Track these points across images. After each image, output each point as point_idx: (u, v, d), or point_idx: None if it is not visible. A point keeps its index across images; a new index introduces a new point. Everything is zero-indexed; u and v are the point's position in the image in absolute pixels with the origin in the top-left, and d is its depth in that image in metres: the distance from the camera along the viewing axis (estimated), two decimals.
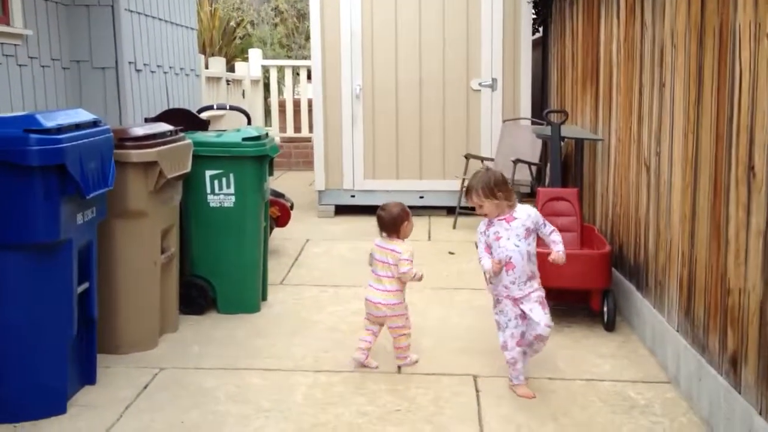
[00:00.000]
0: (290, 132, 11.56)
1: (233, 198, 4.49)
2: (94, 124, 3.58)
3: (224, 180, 4.49)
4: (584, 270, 4.20)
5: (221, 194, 4.49)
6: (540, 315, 3.40)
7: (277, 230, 6.27)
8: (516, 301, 3.45)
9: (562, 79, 6.99)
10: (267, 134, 4.77)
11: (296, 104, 11.45)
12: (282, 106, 11.69)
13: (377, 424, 3.16)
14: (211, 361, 3.84)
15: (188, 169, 4.23)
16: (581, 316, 4.47)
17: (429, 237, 6.70)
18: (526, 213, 3.47)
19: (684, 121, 3.55)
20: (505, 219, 3.45)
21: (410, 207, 7.37)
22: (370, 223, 7.53)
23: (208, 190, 4.49)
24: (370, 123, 7.58)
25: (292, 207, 6.12)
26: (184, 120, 5.27)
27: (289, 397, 3.42)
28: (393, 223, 3.78)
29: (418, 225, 7.11)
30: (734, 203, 2.97)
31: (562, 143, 6.36)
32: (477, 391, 3.50)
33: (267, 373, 3.69)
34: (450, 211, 7.25)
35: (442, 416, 3.23)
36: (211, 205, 4.50)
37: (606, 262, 4.26)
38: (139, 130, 3.98)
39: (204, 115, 7.61)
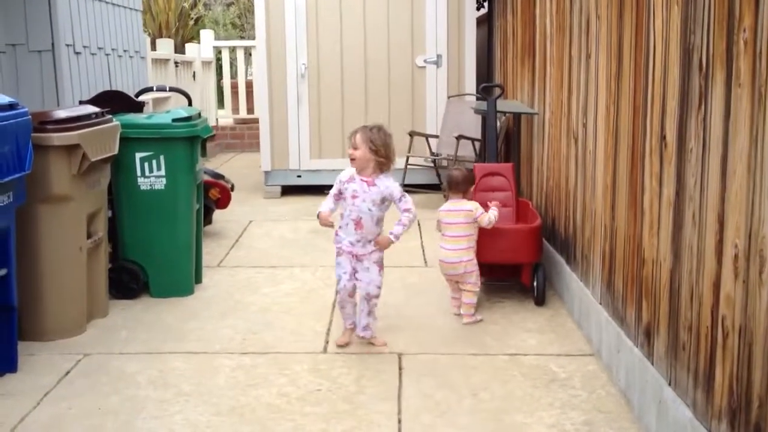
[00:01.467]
0: (243, 113, 11.46)
1: (164, 180, 4.43)
2: (10, 107, 3.49)
3: (154, 162, 4.41)
4: (513, 245, 4.20)
5: (151, 176, 4.42)
6: (375, 275, 3.67)
7: (219, 212, 6.21)
8: (357, 257, 3.65)
9: (504, 55, 6.98)
10: (199, 114, 4.69)
11: (249, 85, 11.33)
12: (234, 87, 11.57)
13: (295, 404, 3.14)
14: (136, 345, 3.79)
15: (115, 151, 4.15)
16: (513, 291, 4.48)
17: None
18: (386, 184, 3.60)
19: (606, 92, 3.55)
20: (367, 181, 3.59)
21: None
22: (316, 203, 7.45)
23: (138, 173, 4.42)
24: (315, 102, 7.51)
25: (232, 188, 6.05)
26: (119, 102, 5.18)
27: (210, 380, 3.38)
28: (466, 181, 4.17)
29: None
30: (648, 174, 2.98)
31: (503, 118, 6.37)
32: (400, 369, 3.49)
33: (192, 356, 3.65)
34: None
35: (363, 395, 3.22)
36: (142, 187, 4.43)
37: (535, 236, 4.27)
38: (62, 113, 3.90)
39: (147, 97, 7.52)
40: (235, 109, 11.55)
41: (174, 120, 4.40)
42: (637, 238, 3.11)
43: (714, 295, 2.43)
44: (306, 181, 7.57)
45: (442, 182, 7.21)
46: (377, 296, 3.72)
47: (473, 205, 4.09)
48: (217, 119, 11.50)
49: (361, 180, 3.59)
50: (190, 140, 4.44)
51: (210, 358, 3.63)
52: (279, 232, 6.10)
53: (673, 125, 2.76)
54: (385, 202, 3.62)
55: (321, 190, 7.53)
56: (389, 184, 3.60)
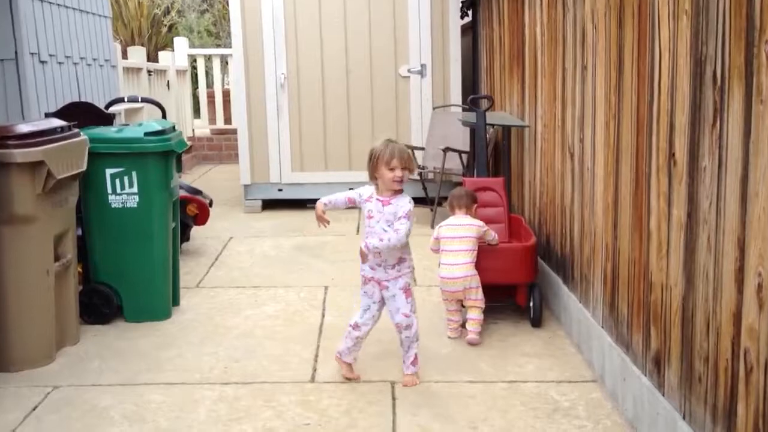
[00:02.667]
0: (220, 123, 11.21)
1: (137, 198, 4.19)
2: None
3: (126, 179, 4.18)
4: (507, 264, 4.02)
5: (123, 194, 4.19)
6: (401, 302, 3.37)
7: (197, 229, 5.98)
8: (380, 284, 3.38)
9: (490, 64, 6.82)
10: (173, 128, 4.47)
11: (226, 94, 11.08)
12: (211, 97, 11.33)
13: None
14: (110, 376, 3.55)
15: (83, 168, 3.91)
16: (508, 312, 4.29)
17: (357, 230, 6.47)
18: (399, 203, 3.33)
19: (606, 106, 3.38)
20: (382, 201, 3.34)
21: None
22: (298, 218, 7.41)
23: (110, 190, 4.18)
24: (296, 113, 7.30)
25: (211, 204, 5.82)
26: (87, 114, 4.95)
27: (190, 414, 3.16)
28: (470, 197, 4.13)
29: (348, 218, 6.92)
30: (655, 193, 2.81)
31: (491, 131, 6.20)
32: (394, 399, 3.28)
33: (170, 388, 3.42)
34: None
35: (355, 429, 3.01)
36: (113, 205, 4.19)
37: (530, 256, 4.09)
38: (24, 127, 3.66)
39: (118, 108, 7.26)
40: (212, 120, 11.30)
41: (146, 134, 4.17)
42: (643, 261, 2.93)
43: (734, 326, 2.26)
44: (287, 195, 7.35)
45: (428, 196, 7.03)
46: (409, 327, 3.38)
47: (480, 221, 4.06)
48: (193, 130, 11.25)
49: (377, 200, 3.35)
50: (163, 155, 4.22)
51: (189, 389, 3.40)
52: (261, 249, 5.87)
53: (683, 142, 2.59)
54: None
55: (303, 204, 7.35)
56: (402, 203, 3.32)
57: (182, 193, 5.57)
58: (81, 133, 4.02)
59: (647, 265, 2.89)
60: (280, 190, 7.35)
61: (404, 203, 3.32)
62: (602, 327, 3.43)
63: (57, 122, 3.90)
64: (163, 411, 3.19)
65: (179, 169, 4.56)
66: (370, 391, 3.36)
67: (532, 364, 3.64)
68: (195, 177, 9.80)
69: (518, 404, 3.22)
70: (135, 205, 4.20)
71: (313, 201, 7.58)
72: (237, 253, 5.73)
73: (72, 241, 3.95)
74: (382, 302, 3.42)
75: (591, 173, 3.60)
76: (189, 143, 4.68)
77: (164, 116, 5.99)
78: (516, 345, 3.88)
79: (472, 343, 3.84)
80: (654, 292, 2.83)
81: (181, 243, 5.76)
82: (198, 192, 5.73)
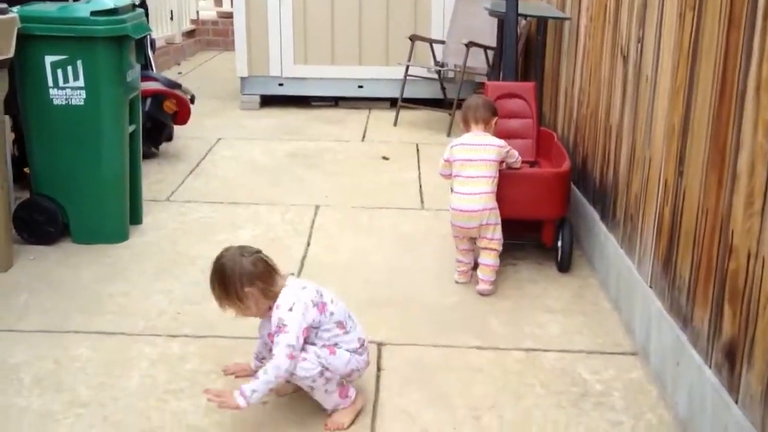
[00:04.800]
0: (227, 6, 10.24)
1: (83, 93, 3.43)
2: None
3: (70, 69, 3.40)
4: (532, 195, 3.23)
5: (67, 88, 3.42)
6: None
7: (183, 128, 5.22)
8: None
9: None
10: (133, 6, 3.65)
11: None
12: None
13: (229, 429, 2.26)
14: (34, 318, 2.88)
15: (8, 53, 3.14)
16: (529, 249, 3.54)
17: (364, 136, 5.67)
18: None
19: None
20: None
21: (348, 98, 6.52)
22: (299, 117, 6.57)
23: (50, 83, 3.41)
24: None
25: (192, 100, 5.02)
26: None
27: (120, 380, 2.49)
28: (489, 110, 3.30)
29: (355, 120, 6.12)
30: (751, 120, 1.98)
31: (523, 23, 5.29)
32: (379, 369, 2.59)
33: (103, 339, 2.74)
34: (394, 103, 6.18)
35: (326, 414, 2.32)
36: (55, 102, 3.43)
37: (561, 185, 3.30)
38: None
39: None
40: (218, 1, 10.33)
41: (94, 13, 3.36)
42: (721, 213, 2.14)
43: None
44: (289, 90, 6.51)
45: (446, 98, 6.18)
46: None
47: (501, 140, 3.25)
48: (197, 12, 10.30)
49: None
50: (116, 40, 3.41)
51: (127, 342, 2.72)
52: (250, 154, 5.11)
53: None
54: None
55: (306, 101, 6.54)
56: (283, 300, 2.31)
57: (158, 86, 4.80)
58: (10, 10, 3.22)
59: (727, 220, 2.10)
60: (280, 84, 6.52)
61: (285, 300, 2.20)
62: (651, 287, 2.68)
63: None
64: (87, 374, 2.52)
65: (141, 60, 3.76)
66: None
67: (557, 324, 2.92)
68: (194, 65, 8.96)
69: (536, 385, 2.51)
70: (81, 103, 3.43)
71: (318, 99, 6.74)
72: (221, 159, 4.97)
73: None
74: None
75: (651, 84, 2.76)
76: (150, 29, 3.86)
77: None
78: (538, 296, 3.16)
79: (483, 294, 3.11)
80: (735, 258, 2.05)
81: (160, 144, 5.03)
82: (177, 86, 4.93)
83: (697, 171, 2.31)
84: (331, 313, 2.23)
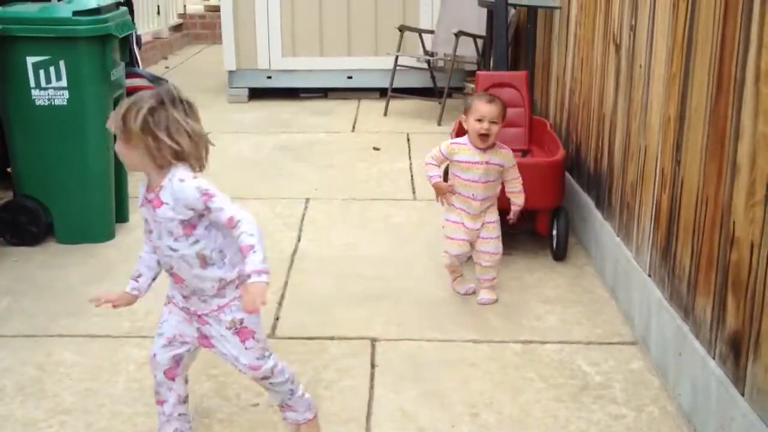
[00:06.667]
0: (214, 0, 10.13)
1: (66, 93, 3.35)
2: None
3: (52, 69, 3.33)
4: (527, 185, 3.15)
5: (50, 88, 3.34)
6: (235, 348, 1.97)
7: None
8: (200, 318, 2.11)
9: None
10: (117, 5, 3.57)
11: None
12: None
13: (216, 430, 2.19)
14: (18, 323, 2.80)
15: None
16: (524, 239, 3.48)
17: (353, 127, 5.60)
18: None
19: None
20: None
21: (337, 89, 6.43)
22: (288, 109, 6.48)
23: (32, 84, 3.34)
24: None
25: None
26: None
27: (106, 384, 2.42)
28: (502, 111, 2.86)
29: (344, 111, 6.05)
30: (751, 111, 1.92)
31: (513, 11, 5.22)
32: (373, 366, 2.53)
33: (88, 342, 2.67)
34: (383, 93, 6.10)
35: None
36: (38, 102, 3.36)
37: (557, 174, 3.25)
38: None
39: None
40: None
41: (76, 13, 3.28)
42: (722, 202, 2.08)
43: None
44: (277, 83, 6.43)
45: (436, 86, 6.10)
46: (267, 377, 2.03)
47: (508, 150, 2.93)
48: (184, 6, 10.19)
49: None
50: (99, 40, 3.33)
51: (113, 345, 2.65)
52: (238, 148, 5.04)
53: None
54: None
55: (295, 93, 6.46)
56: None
57: (143, 83, 4.70)
58: None
59: (728, 210, 2.04)
60: (269, 77, 6.43)
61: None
62: (649, 276, 2.62)
63: None
64: (72, 379, 2.44)
65: (125, 58, 3.68)
66: (343, 353, 2.60)
67: (554, 314, 2.86)
68: (182, 60, 8.86)
69: (535, 378, 2.45)
70: (64, 102, 3.36)
71: (307, 90, 6.63)
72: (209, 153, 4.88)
73: None
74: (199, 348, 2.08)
75: (645, 72, 2.69)
76: (134, 27, 3.77)
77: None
78: (534, 286, 3.10)
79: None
80: (737, 249, 1.99)
81: None
82: (159, 80, 4.83)
83: (696, 160, 2.25)
84: None
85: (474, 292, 3.00)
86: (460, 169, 2.86)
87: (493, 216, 2.92)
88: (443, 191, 2.90)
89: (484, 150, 2.82)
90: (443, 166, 2.98)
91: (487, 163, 2.83)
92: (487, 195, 2.87)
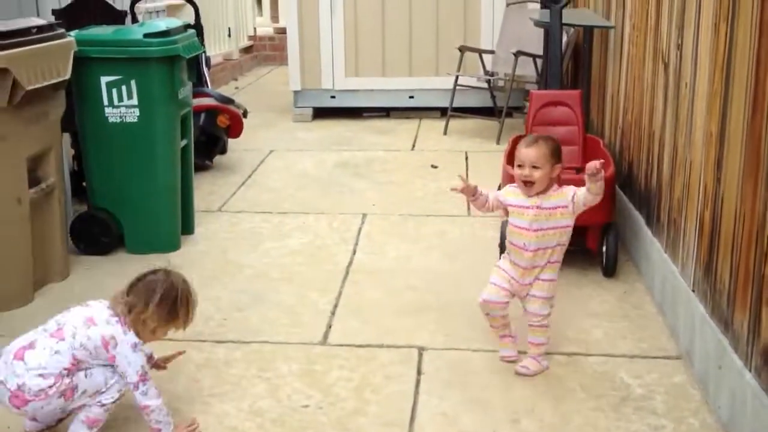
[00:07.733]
0: (283, 22, 10.41)
1: (137, 111, 3.56)
2: None
3: (124, 88, 3.54)
4: None
5: (122, 106, 3.56)
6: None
7: (237, 141, 5.35)
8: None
9: None
10: (185, 28, 3.78)
11: None
12: None
13: (270, 430, 2.32)
14: None
15: (65, 75, 3.27)
16: (574, 254, 3.52)
17: (413, 146, 5.72)
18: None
19: (715, 2, 2.50)
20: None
21: (399, 108, 6.58)
22: (351, 127, 6.65)
23: (106, 102, 3.56)
24: (351, 10, 6.47)
25: (245, 115, 5.16)
26: (96, 11, 4.30)
27: (167, 384, 2.56)
28: (554, 154, 2.60)
29: (405, 130, 6.18)
30: None
31: (571, 32, 5.28)
32: (419, 373, 2.62)
33: (152, 345, 2.83)
34: (444, 112, 6.21)
35: (362, 417, 2.37)
36: (111, 120, 3.58)
37: (606, 191, 3.28)
38: None
39: (147, 6, 6.53)
40: (275, 17, 10.55)
41: (147, 35, 3.50)
42: (758, 218, 2.12)
43: None
44: (340, 102, 6.62)
45: (496, 105, 6.19)
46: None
47: (567, 188, 2.64)
48: (254, 28, 10.52)
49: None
50: (168, 60, 3.54)
51: (174, 348, 2.80)
52: (301, 165, 5.21)
53: None
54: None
55: (358, 112, 6.62)
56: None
57: (211, 102, 4.94)
58: (67, 35, 3.37)
59: (763, 226, 2.08)
60: (332, 97, 6.62)
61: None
62: (693, 291, 2.66)
63: (34, 21, 3.26)
64: None
65: (193, 78, 3.88)
66: (391, 360, 2.71)
67: (601, 329, 2.91)
68: (251, 80, 9.15)
69: (577, 388, 2.51)
70: (135, 120, 3.57)
71: (369, 110, 6.81)
72: (273, 170, 5.08)
73: (55, 163, 3.36)
74: None
75: (690, 89, 2.74)
76: (203, 48, 3.99)
77: (197, 17, 5.30)
78: (582, 301, 3.15)
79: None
80: None
81: (214, 157, 5.17)
82: (230, 101, 5.06)
83: (734, 177, 2.29)
84: None
85: (514, 361, 2.67)
86: (512, 214, 2.61)
87: (550, 274, 2.62)
88: (465, 188, 2.59)
89: (536, 194, 2.58)
90: (495, 202, 2.67)
91: (538, 207, 2.55)
92: (540, 246, 2.56)
